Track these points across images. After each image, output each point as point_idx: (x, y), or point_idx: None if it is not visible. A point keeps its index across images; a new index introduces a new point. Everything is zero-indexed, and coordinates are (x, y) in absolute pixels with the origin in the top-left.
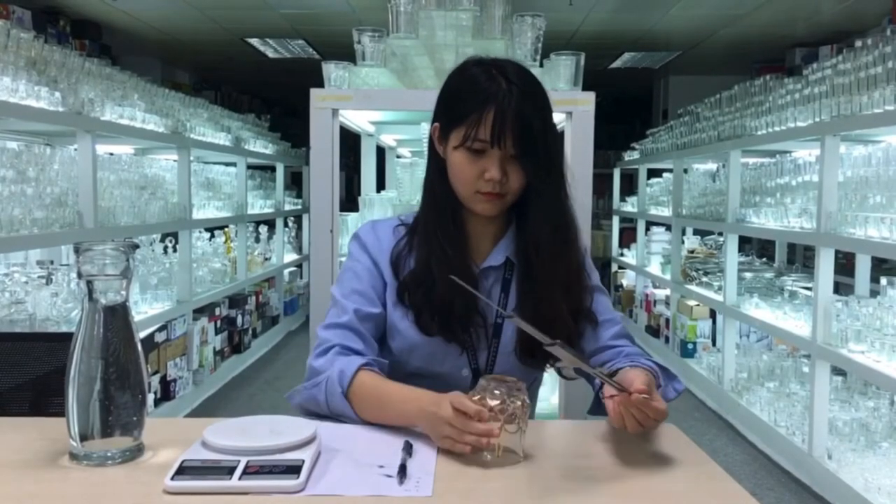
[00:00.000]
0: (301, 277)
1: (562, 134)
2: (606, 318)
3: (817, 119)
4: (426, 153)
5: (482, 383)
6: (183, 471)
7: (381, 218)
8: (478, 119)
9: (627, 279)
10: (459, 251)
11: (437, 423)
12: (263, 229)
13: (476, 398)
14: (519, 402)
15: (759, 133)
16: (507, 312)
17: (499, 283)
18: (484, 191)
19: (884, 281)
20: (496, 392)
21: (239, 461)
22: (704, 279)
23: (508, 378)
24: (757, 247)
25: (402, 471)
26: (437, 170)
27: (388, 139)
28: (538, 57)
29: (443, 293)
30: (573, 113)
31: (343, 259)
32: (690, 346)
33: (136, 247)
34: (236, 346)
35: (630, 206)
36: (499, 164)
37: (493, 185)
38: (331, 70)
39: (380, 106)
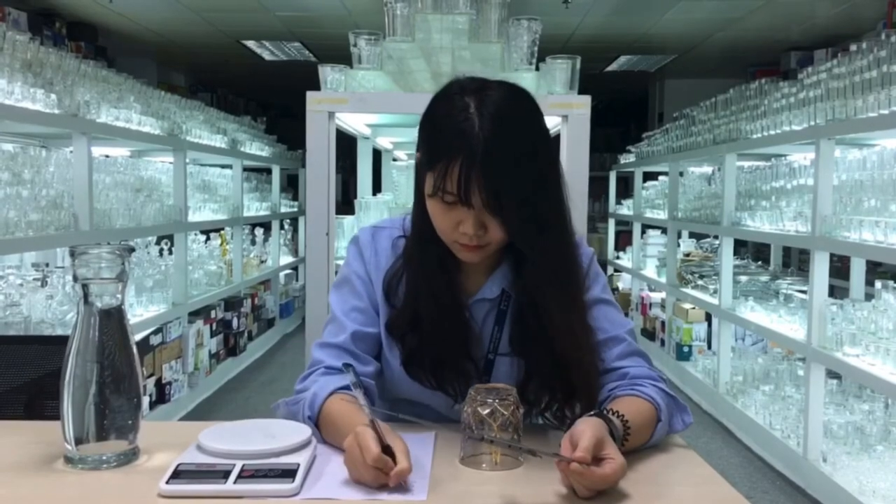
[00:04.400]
0: (297, 280)
1: (557, 138)
2: (611, 336)
3: (812, 123)
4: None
5: (471, 393)
6: (178, 475)
7: (385, 222)
8: (445, 169)
9: (623, 282)
10: (448, 286)
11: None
12: (259, 232)
13: (467, 408)
14: (511, 409)
15: (755, 136)
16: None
17: (493, 314)
18: (462, 242)
19: (878, 284)
20: (487, 401)
21: (234, 465)
22: (700, 282)
23: (499, 385)
24: (752, 250)
25: None
26: (421, 201)
27: (384, 142)
28: (534, 60)
29: (431, 336)
30: (569, 116)
31: (339, 262)
32: (686, 349)
33: (132, 250)
34: (232, 348)
35: (626, 209)
36: (473, 219)
37: (469, 238)
38: (327, 73)
39: (376, 109)
